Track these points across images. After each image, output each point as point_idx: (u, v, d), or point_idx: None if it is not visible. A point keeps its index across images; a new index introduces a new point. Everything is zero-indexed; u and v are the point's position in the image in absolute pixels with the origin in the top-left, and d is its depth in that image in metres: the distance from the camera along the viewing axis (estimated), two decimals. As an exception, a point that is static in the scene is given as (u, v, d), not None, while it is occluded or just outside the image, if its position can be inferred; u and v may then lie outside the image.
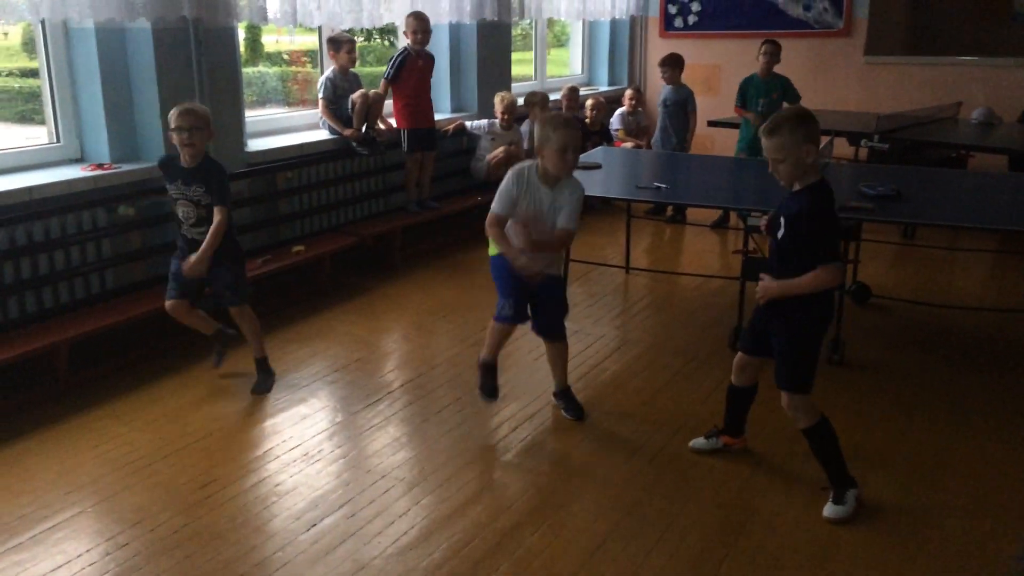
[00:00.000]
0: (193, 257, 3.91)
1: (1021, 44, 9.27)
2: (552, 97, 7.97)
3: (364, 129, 5.93)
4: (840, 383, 4.15)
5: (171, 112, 3.82)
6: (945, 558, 2.85)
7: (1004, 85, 7.95)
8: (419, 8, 6.23)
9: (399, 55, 6.10)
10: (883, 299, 5.23)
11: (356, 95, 5.83)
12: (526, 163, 3.63)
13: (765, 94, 6.67)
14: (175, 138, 3.81)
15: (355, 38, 5.94)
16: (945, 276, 5.97)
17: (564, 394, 3.90)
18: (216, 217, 3.90)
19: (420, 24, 6.08)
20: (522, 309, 3.70)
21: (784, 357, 3.03)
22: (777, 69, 6.75)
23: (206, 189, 3.88)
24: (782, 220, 2.97)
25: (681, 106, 7.39)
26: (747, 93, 6.76)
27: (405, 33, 6.17)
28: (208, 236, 3.90)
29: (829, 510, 3.05)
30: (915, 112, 7.24)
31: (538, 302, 3.73)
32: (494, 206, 3.57)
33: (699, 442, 3.51)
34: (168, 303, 4.05)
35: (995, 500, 3.18)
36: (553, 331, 3.81)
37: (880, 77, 8.48)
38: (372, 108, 5.93)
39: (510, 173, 3.60)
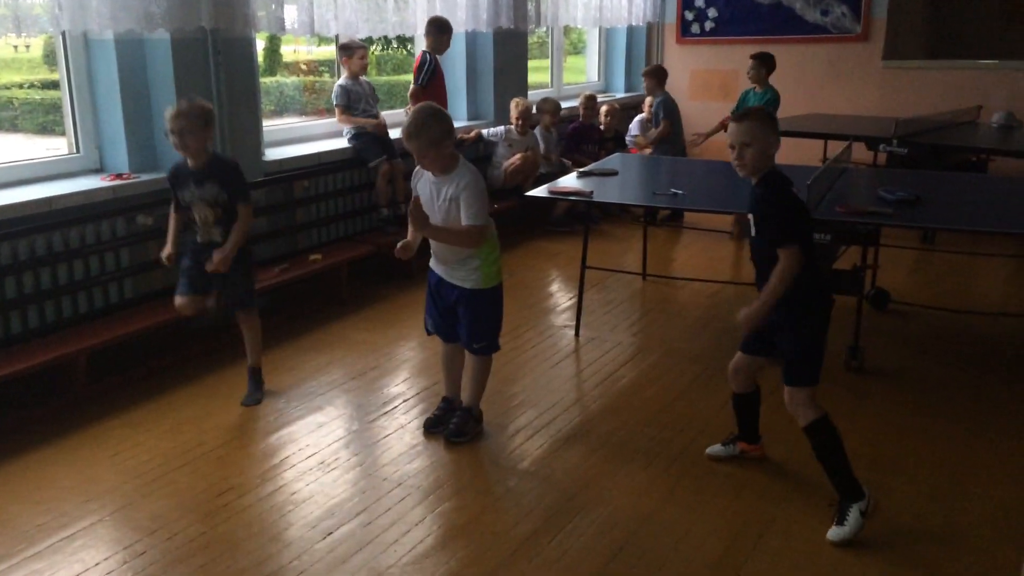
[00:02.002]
0: (217, 254, 3.85)
1: (1042, 47, 9.20)
2: (569, 104, 7.99)
3: (389, 204, 5.96)
4: (860, 390, 4.11)
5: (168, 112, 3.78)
6: (969, 564, 2.80)
7: (1025, 88, 7.87)
8: (437, 15, 6.26)
9: (429, 62, 6.10)
10: (902, 305, 5.18)
11: (382, 169, 5.78)
12: None
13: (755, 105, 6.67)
14: (171, 141, 3.78)
15: (367, 45, 5.95)
16: (965, 281, 5.91)
17: (462, 411, 3.74)
18: (241, 213, 3.87)
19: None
20: (439, 323, 3.69)
21: (793, 356, 3.01)
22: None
23: (221, 187, 3.83)
24: (751, 219, 3.02)
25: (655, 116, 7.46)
26: (745, 104, 6.76)
27: (427, 38, 6.16)
28: (233, 233, 3.86)
29: (833, 533, 2.93)
30: (934, 116, 7.17)
31: (457, 312, 3.62)
32: None
33: (716, 449, 3.49)
34: (177, 300, 3.95)
35: (1016, 505, 3.13)
36: (466, 344, 3.68)
37: (899, 81, 8.41)
38: (395, 181, 5.95)
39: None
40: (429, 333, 3.82)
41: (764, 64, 6.57)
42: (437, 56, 6.15)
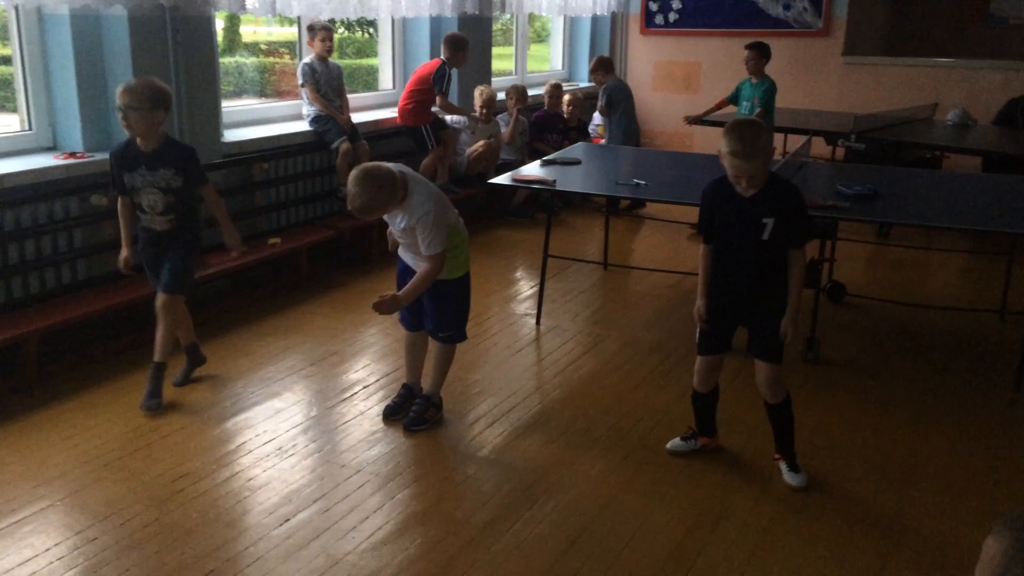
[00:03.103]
0: (228, 241, 3.96)
1: (996, 46, 9.39)
2: (533, 93, 7.98)
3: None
4: (816, 381, 4.18)
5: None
6: (921, 551, 2.87)
7: (979, 87, 8.04)
8: (402, 1, 6.21)
9: (447, 73, 6.48)
10: (858, 298, 5.27)
11: (342, 149, 5.75)
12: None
13: (748, 98, 6.67)
14: (119, 118, 3.63)
15: (332, 26, 5.88)
16: (919, 276, 6.03)
17: (422, 398, 3.74)
18: (209, 194, 3.86)
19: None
20: (407, 314, 3.70)
21: (773, 335, 3.13)
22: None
23: (176, 173, 3.69)
24: (768, 221, 3.01)
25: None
26: (740, 94, 6.74)
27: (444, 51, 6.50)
28: (219, 214, 3.92)
29: (797, 479, 3.24)
30: (892, 113, 7.29)
31: (425, 302, 3.63)
32: None
33: (677, 444, 3.50)
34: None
35: (966, 493, 3.21)
36: (432, 332, 3.69)
37: (858, 77, 8.54)
38: (358, 162, 5.86)
39: None
40: (408, 328, 3.78)
41: (762, 54, 6.53)
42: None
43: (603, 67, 7.42)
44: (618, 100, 7.33)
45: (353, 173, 3.26)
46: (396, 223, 3.44)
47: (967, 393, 4.09)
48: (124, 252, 3.88)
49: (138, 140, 3.69)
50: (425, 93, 6.44)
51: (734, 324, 3.28)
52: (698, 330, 3.30)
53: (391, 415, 3.75)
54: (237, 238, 4.02)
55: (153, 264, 3.89)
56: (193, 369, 4.11)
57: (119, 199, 3.85)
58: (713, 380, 3.37)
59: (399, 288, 3.61)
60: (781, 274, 3.11)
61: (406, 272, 3.62)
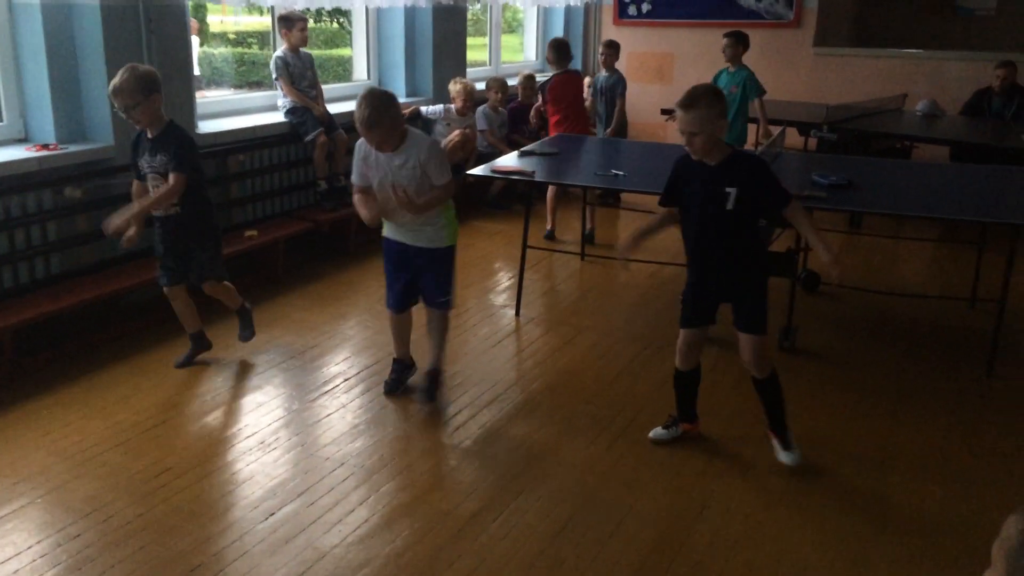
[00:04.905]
0: (119, 214, 3.73)
1: (964, 37, 9.53)
2: (509, 83, 7.96)
3: (328, 178, 5.89)
4: (792, 369, 4.22)
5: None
6: (902, 533, 2.92)
7: (947, 78, 8.15)
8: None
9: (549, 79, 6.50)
10: (832, 286, 5.33)
11: (318, 141, 5.70)
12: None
13: (726, 87, 6.71)
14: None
15: (307, 17, 5.84)
16: (891, 264, 6.12)
17: (432, 372, 3.86)
18: (171, 180, 3.73)
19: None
20: (400, 297, 3.80)
21: (757, 305, 3.20)
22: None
23: (170, 157, 3.73)
24: (731, 191, 3.07)
25: (612, 90, 7.31)
26: (717, 84, 6.77)
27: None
28: (154, 194, 3.76)
29: (791, 457, 3.27)
30: (862, 103, 7.38)
31: (420, 275, 3.74)
32: (352, 177, 3.70)
33: (659, 433, 3.53)
34: (165, 291, 4.05)
35: (943, 475, 3.28)
36: (432, 300, 3.79)
37: (829, 68, 8.62)
38: (335, 154, 5.87)
39: (356, 146, 3.62)
40: (396, 310, 3.87)
41: (739, 42, 6.55)
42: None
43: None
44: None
45: (362, 93, 3.39)
46: (402, 167, 3.49)
47: (940, 379, 4.17)
48: (132, 230, 3.76)
49: (146, 130, 3.77)
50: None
51: (716, 299, 3.31)
52: (681, 302, 3.36)
53: (392, 390, 3.89)
54: (137, 218, 3.74)
55: (166, 253, 3.95)
56: (197, 354, 4.19)
57: (134, 183, 3.94)
58: (695, 357, 3.38)
59: (397, 267, 3.74)
60: (755, 248, 3.22)
61: (403, 253, 3.70)
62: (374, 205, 3.61)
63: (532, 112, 6.93)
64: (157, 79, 3.71)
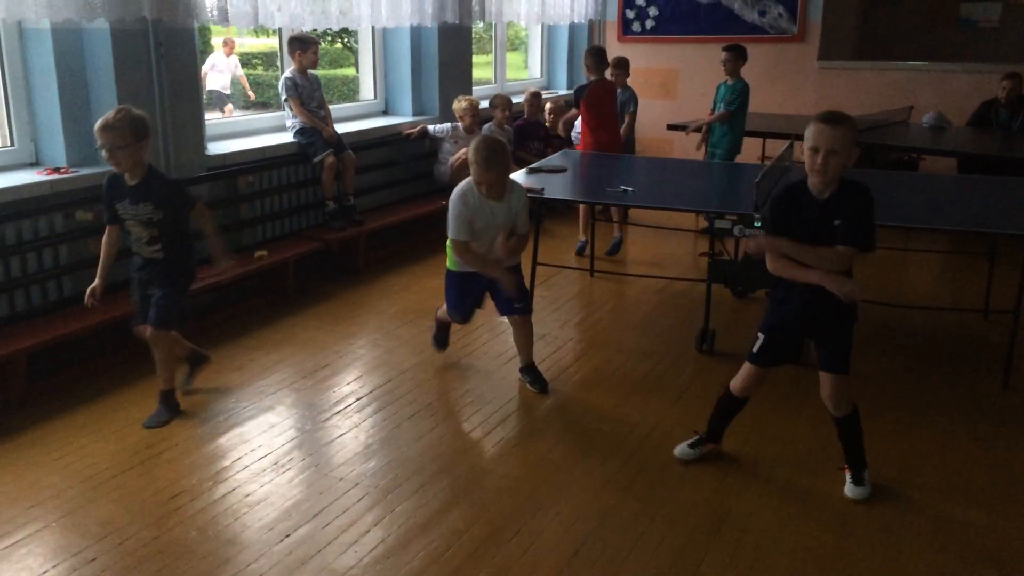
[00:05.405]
0: (217, 257, 3.92)
1: (968, 50, 9.55)
2: (514, 101, 7.99)
3: (336, 198, 5.90)
4: (805, 385, 4.19)
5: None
6: (923, 550, 2.90)
7: (953, 89, 8.16)
8: (383, 10, 6.21)
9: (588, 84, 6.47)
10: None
11: (327, 162, 5.72)
12: (463, 185, 3.88)
13: (722, 98, 6.74)
14: (103, 156, 3.57)
15: (320, 40, 5.87)
16: (900, 276, 6.10)
17: (528, 369, 4.20)
18: (199, 215, 3.83)
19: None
20: (469, 315, 4.27)
21: (844, 344, 3.10)
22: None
23: (156, 207, 3.63)
24: (840, 223, 2.91)
25: (623, 107, 7.35)
26: (715, 97, 6.81)
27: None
28: (209, 230, 3.89)
29: (857, 491, 3.20)
30: (868, 116, 7.38)
31: (495, 288, 4.06)
32: (455, 232, 3.90)
33: (685, 450, 3.49)
34: (137, 331, 3.90)
35: (964, 493, 3.25)
36: (513, 309, 4.11)
37: (833, 82, 8.64)
38: (344, 174, 5.89)
39: (455, 198, 3.88)
40: (463, 322, 4.32)
41: (738, 55, 6.61)
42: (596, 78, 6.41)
43: (626, 68, 7.36)
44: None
45: (481, 143, 3.77)
46: (502, 216, 3.87)
47: (955, 393, 4.14)
48: (96, 282, 3.74)
49: (125, 175, 3.63)
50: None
51: (801, 337, 3.22)
52: (761, 340, 3.21)
53: (443, 344, 4.51)
54: (224, 254, 3.98)
55: (140, 288, 3.83)
56: (196, 370, 4.15)
57: (107, 228, 3.78)
58: (754, 390, 3.32)
59: (464, 291, 4.15)
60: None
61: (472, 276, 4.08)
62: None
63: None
64: (149, 126, 3.62)
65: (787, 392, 4.05)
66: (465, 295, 4.16)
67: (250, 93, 12.56)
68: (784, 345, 3.22)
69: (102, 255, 3.79)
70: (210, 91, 11.42)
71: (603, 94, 6.41)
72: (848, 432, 3.21)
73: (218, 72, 11.92)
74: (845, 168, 2.91)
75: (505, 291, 3.98)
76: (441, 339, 4.51)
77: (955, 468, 3.45)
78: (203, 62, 8.81)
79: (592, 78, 6.40)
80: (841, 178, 2.95)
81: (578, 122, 8.17)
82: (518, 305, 4.09)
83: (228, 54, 12.17)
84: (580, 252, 6.38)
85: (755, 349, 3.23)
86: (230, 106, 11.96)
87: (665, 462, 3.47)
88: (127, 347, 4.37)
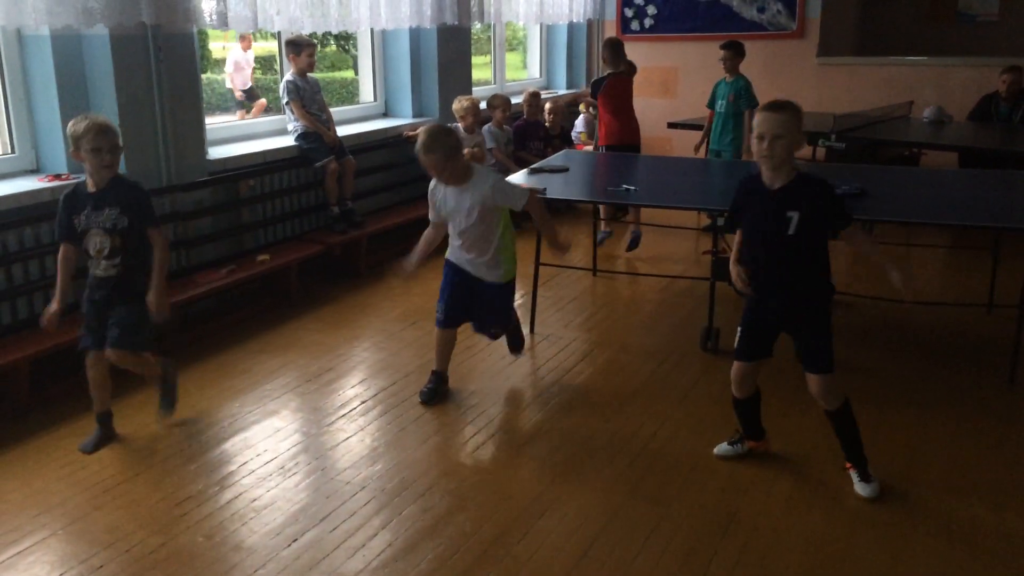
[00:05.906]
0: (151, 298, 3.49)
1: (967, 44, 9.53)
2: (513, 101, 7.99)
3: (339, 202, 5.90)
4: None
5: (79, 127, 3.33)
6: (933, 547, 2.89)
7: (953, 84, 8.15)
8: (382, 13, 6.20)
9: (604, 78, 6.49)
10: (845, 295, 5.30)
11: (330, 168, 5.72)
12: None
13: (724, 95, 6.73)
14: (92, 160, 3.34)
15: (315, 42, 5.86)
16: (903, 272, 6.06)
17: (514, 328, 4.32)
18: (155, 239, 3.52)
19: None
20: (453, 314, 4.04)
21: (819, 342, 3.13)
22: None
23: (122, 211, 3.42)
24: (794, 215, 2.98)
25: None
26: (715, 94, 6.80)
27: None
28: (156, 268, 3.51)
29: (868, 489, 3.18)
30: (869, 112, 7.37)
31: (476, 306, 4.04)
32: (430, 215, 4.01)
33: (724, 449, 3.48)
34: (88, 357, 3.59)
35: (975, 489, 3.24)
36: (483, 332, 4.18)
37: (833, 78, 8.63)
38: (344, 178, 5.88)
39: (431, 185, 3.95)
40: (444, 327, 4.08)
41: (737, 52, 6.60)
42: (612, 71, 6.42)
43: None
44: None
45: (423, 129, 3.78)
46: (469, 201, 3.81)
47: (962, 389, 4.13)
48: (54, 306, 3.51)
49: (88, 181, 3.46)
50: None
51: (775, 330, 3.22)
52: (738, 334, 3.26)
53: (429, 400, 4.02)
54: (162, 303, 3.54)
55: (94, 314, 3.56)
56: (168, 395, 3.84)
57: (61, 247, 3.54)
58: (749, 386, 3.32)
59: (460, 295, 4.03)
60: (818, 277, 3.12)
61: (464, 277, 3.99)
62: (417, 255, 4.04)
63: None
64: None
65: (794, 390, 4.04)
66: (451, 287, 4.02)
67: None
68: (762, 340, 3.25)
69: (59, 276, 3.55)
70: (243, 90, 11.38)
71: (621, 87, 6.43)
72: (842, 425, 3.21)
73: (240, 70, 11.79)
74: (792, 152, 2.97)
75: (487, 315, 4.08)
76: (426, 391, 4.06)
77: (963, 464, 3.44)
78: (203, 68, 8.81)
79: (609, 71, 6.40)
80: (796, 171, 3.01)
81: (579, 121, 8.20)
82: (494, 330, 4.19)
83: (246, 49, 11.91)
84: (601, 242, 6.34)
85: (735, 345, 3.28)
86: (262, 100, 11.72)
87: (672, 462, 3.47)
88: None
